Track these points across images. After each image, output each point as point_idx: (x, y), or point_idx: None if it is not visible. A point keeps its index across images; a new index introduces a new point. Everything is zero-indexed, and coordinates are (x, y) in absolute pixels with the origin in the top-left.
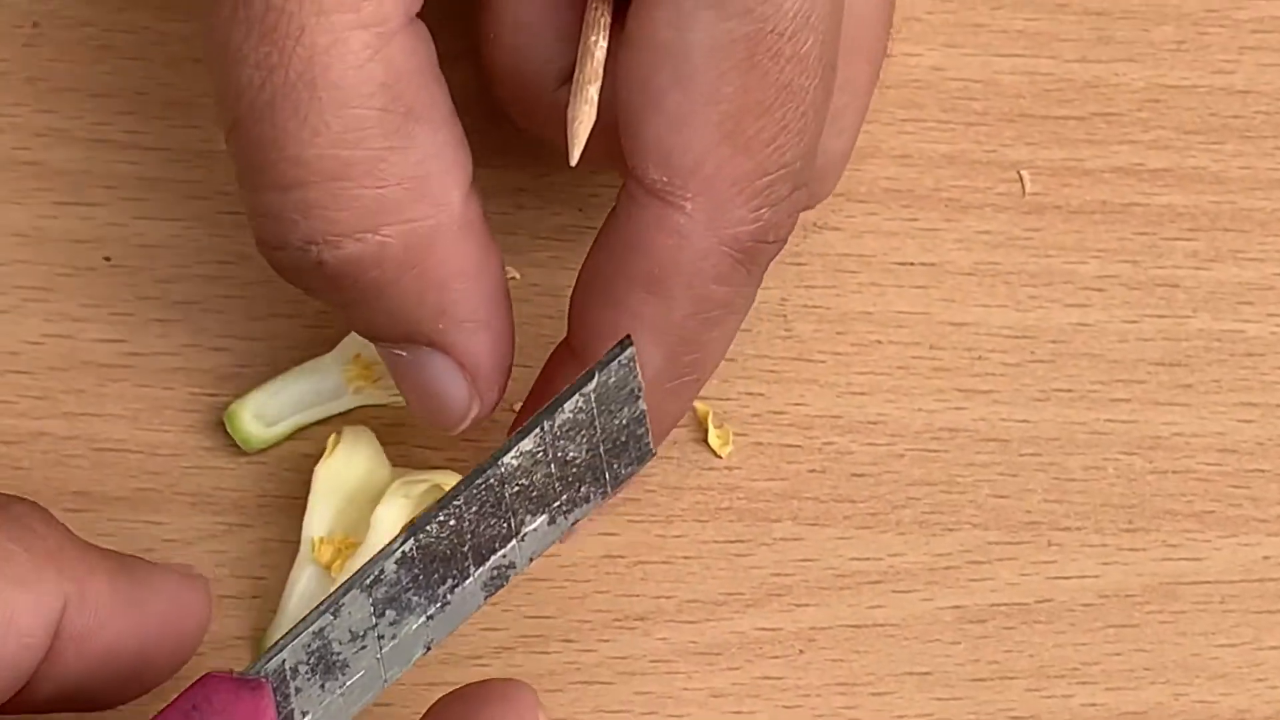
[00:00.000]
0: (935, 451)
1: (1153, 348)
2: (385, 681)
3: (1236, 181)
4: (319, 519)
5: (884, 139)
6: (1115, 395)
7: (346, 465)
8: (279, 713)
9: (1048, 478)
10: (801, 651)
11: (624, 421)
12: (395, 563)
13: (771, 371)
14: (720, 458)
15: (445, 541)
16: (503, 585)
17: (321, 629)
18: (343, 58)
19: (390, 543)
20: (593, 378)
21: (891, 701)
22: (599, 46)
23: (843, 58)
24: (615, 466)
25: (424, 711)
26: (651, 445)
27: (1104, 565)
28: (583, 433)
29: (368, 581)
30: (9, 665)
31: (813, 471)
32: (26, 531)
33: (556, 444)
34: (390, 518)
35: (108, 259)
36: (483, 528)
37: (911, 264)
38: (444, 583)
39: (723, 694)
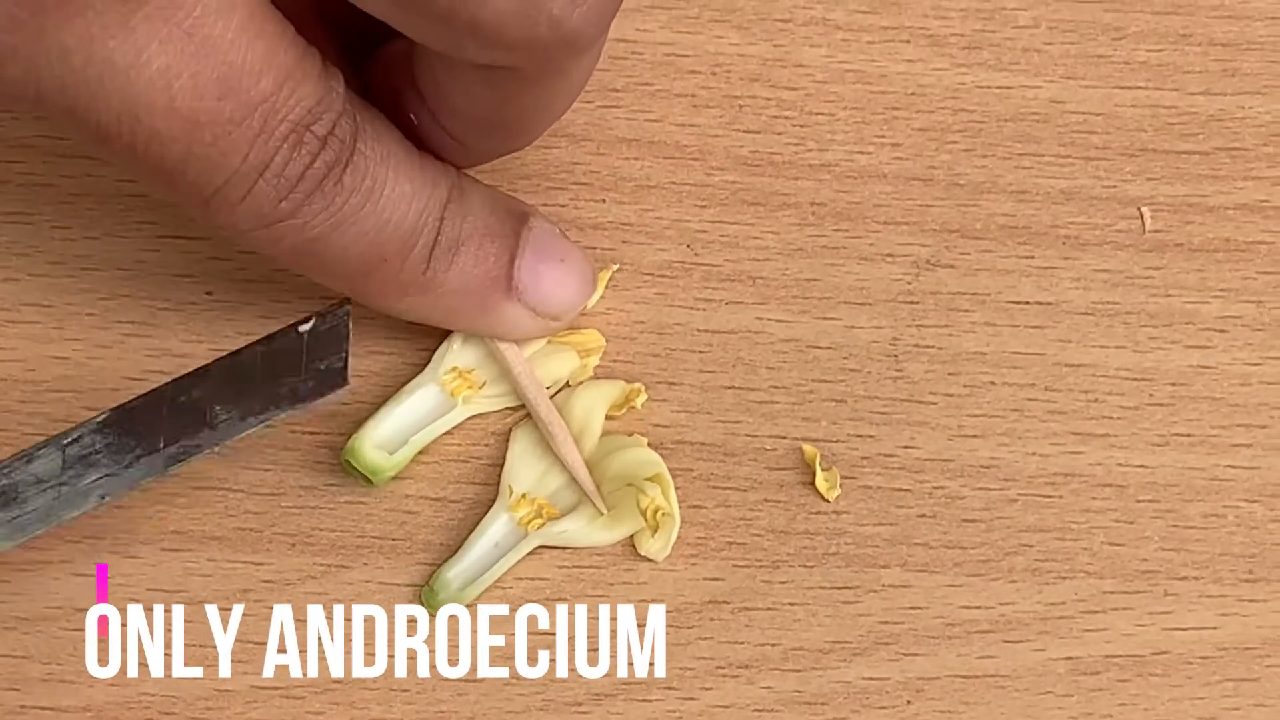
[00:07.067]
0: (1049, 497)
1: (1276, 391)
2: (60, 519)
3: None
4: (521, 472)
5: (1000, 174)
6: (1236, 440)
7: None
8: None
9: (1165, 525)
10: (909, 702)
11: (328, 362)
12: (93, 431)
13: (881, 413)
14: (828, 501)
15: (142, 418)
16: (184, 460)
17: (9, 470)
18: None
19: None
20: (309, 320)
21: None
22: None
23: None
24: (313, 390)
25: None
26: (348, 379)
27: (1223, 616)
28: (290, 360)
29: (65, 441)
30: None
31: (922, 516)
32: None
33: (265, 364)
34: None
35: (209, 293)
36: (179, 416)
37: (1027, 303)
38: (132, 451)
39: None
